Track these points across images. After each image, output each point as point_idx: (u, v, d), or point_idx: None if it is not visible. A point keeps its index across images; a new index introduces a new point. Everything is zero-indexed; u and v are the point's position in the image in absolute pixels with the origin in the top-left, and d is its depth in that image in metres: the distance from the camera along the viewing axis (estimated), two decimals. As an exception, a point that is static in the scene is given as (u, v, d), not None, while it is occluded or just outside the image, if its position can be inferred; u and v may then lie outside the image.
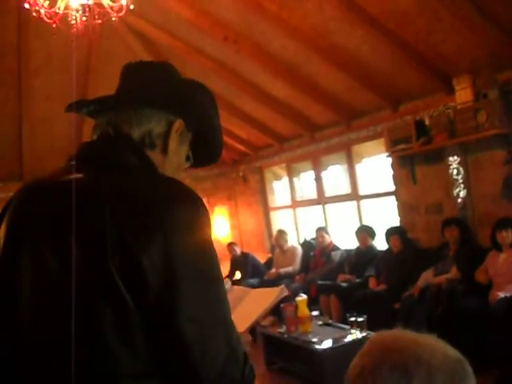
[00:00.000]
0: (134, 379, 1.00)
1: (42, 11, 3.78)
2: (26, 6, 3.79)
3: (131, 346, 1.00)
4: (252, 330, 5.95)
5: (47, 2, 3.83)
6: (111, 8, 3.93)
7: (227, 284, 1.61)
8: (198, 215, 1.09)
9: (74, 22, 3.87)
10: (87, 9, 3.87)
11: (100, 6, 3.94)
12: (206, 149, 1.38)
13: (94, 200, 1.05)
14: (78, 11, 3.84)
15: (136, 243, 0.99)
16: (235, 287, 1.64)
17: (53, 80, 6.65)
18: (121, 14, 3.98)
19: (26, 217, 1.14)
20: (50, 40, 5.42)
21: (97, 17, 3.93)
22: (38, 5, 3.74)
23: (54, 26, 3.86)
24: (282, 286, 1.55)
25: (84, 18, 3.88)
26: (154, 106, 1.22)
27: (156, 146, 1.22)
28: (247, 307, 1.46)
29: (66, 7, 3.88)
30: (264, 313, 1.43)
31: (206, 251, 1.08)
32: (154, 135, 1.21)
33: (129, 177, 1.10)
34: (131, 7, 4.04)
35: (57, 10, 3.84)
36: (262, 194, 9.44)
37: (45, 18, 3.84)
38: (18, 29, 5.96)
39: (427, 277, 5.43)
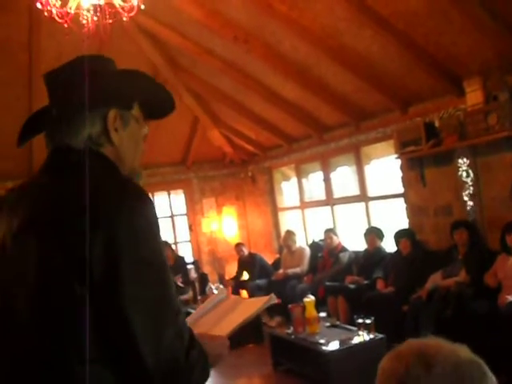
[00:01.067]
0: (85, 365, 1.06)
1: (54, 11, 3.80)
2: (38, 5, 3.81)
3: (82, 333, 1.06)
4: (259, 330, 5.98)
5: (59, 2, 3.85)
6: (122, 8, 3.95)
7: (223, 293, 1.66)
8: (142, 209, 1.14)
9: (85, 21, 3.89)
10: (98, 9, 3.89)
11: (111, 6, 3.96)
12: (159, 107, 1.45)
13: (46, 202, 1.16)
14: (89, 11, 3.87)
15: (80, 236, 1.06)
16: (231, 296, 1.68)
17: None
18: (131, 14, 3.99)
19: (2, 217, 1.25)
20: (61, 39, 5.45)
21: (108, 17, 3.95)
22: (49, 4, 3.76)
23: (65, 25, 3.88)
24: (272, 294, 1.59)
25: (95, 18, 3.90)
26: (82, 111, 1.24)
27: (102, 143, 1.28)
28: (237, 314, 1.50)
29: (78, 7, 3.90)
30: (248, 318, 1.46)
31: (146, 238, 1.13)
32: (94, 136, 1.27)
33: (77, 180, 1.14)
34: (142, 7, 4.05)
35: (68, 10, 3.86)
36: (271, 194, 9.44)
37: (56, 18, 3.86)
38: (29, 28, 5.99)
39: (436, 279, 5.41)
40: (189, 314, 1.59)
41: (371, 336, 4.57)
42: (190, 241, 9.83)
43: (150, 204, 1.18)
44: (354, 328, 4.81)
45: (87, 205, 1.08)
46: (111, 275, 1.06)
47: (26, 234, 1.15)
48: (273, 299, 1.53)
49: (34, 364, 1.09)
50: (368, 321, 4.62)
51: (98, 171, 1.21)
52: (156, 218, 1.19)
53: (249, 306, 1.54)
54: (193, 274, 8.73)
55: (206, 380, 1.23)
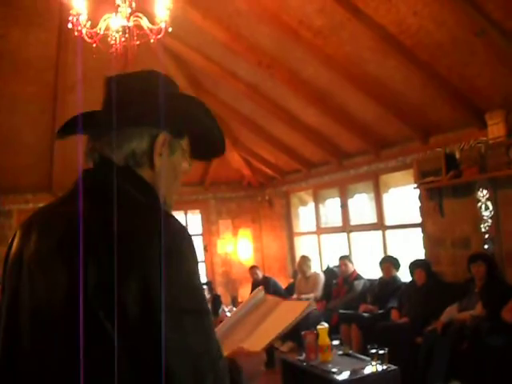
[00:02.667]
0: None
1: (84, 31, 3.88)
2: (69, 25, 3.89)
3: (116, 377, 1.00)
4: (271, 356, 5.90)
5: (89, 23, 3.93)
6: (150, 30, 4.01)
7: (260, 294, 1.60)
8: (180, 247, 1.07)
9: (113, 42, 3.96)
10: (127, 30, 3.96)
11: (139, 27, 4.03)
12: (207, 146, 1.37)
13: (80, 234, 1.05)
14: (118, 32, 3.93)
15: (116, 277, 0.99)
16: (269, 297, 1.61)
17: (87, 96, 6.77)
18: (159, 37, 4.06)
19: (24, 248, 1.18)
20: (88, 58, 5.54)
21: (136, 38, 4.02)
22: (80, 25, 3.84)
23: (94, 45, 3.95)
24: (311, 300, 1.54)
25: (123, 39, 3.96)
26: (133, 125, 1.20)
27: (143, 163, 1.20)
28: (273, 321, 1.45)
29: (107, 28, 3.98)
30: (286, 329, 1.40)
31: (186, 283, 1.06)
32: (138, 154, 1.20)
33: (111, 208, 1.07)
34: (169, 30, 4.11)
35: (98, 31, 3.93)
36: (287, 218, 9.43)
37: (86, 38, 3.93)
38: (57, 45, 6.11)
39: (451, 312, 5.34)
40: None
41: (384, 367, 4.50)
42: (204, 261, 9.83)
43: (191, 243, 1.10)
44: (367, 358, 4.75)
45: (123, 241, 1.02)
46: (148, 321, 0.99)
47: (55, 261, 1.08)
48: (312, 305, 1.48)
49: None
50: (381, 351, 4.56)
51: (137, 198, 1.15)
52: (196, 258, 1.11)
53: (287, 311, 1.48)
54: (206, 295, 8.69)
55: None
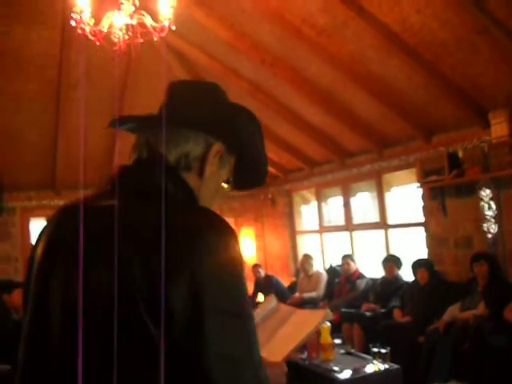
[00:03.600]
0: None
1: (87, 29, 3.88)
2: (73, 23, 3.90)
3: (154, 375, 0.96)
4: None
5: (93, 21, 3.93)
6: (154, 28, 4.01)
7: (273, 302, 1.57)
8: (229, 249, 1.05)
9: (116, 40, 3.96)
10: (130, 28, 3.96)
11: (143, 25, 4.02)
12: (251, 172, 1.35)
13: (124, 232, 1.01)
14: (121, 30, 3.94)
15: (163, 275, 0.96)
16: (282, 306, 1.59)
17: (91, 94, 6.79)
18: (163, 35, 4.06)
19: (59, 242, 1.14)
20: (91, 55, 5.55)
21: (139, 36, 4.02)
22: (83, 22, 3.84)
23: (97, 43, 3.96)
24: (328, 310, 1.52)
25: (126, 37, 3.97)
26: (192, 128, 1.19)
27: (192, 168, 1.19)
28: (290, 330, 1.42)
29: (110, 26, 3.98)
30: (305, 338, 1.38)
31: (235, 287, 1.04)
32: (191, 157, 1.18)
33: (159, 206, 1.03)
34: (173, 28, 4.11)
35: (101, 29, 3.93)
36: (290, 217, 9.43)
37: (89, 36, 3.93)
38: (60, 43, 6.11)
39: (454, 311, 5.34)
40: None
41: (386, 366, 4.50)
42: (206, 259, 9.81)
43: (238, 244, 1.08)
44: (369, 357, 4.75)
45: (173, 238, 0.99)
46: (194, 326, 0.96)
47: (97, 258, 1.03)
48: (329, 315, 1.45)
49: None
50: (383, 350, 4.56)
51: (182, 200, 1.13)
52: (242, 259, 1.08)
53: (303, 320, 1.45)
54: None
55: None
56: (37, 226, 8.33)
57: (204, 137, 1.20)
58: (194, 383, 0.97)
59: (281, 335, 1.38)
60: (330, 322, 5.31)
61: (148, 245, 1.00)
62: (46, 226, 1.22)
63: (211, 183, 1.23)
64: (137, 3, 4.05)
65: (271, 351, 1.29)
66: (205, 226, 1.05)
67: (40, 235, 1.21)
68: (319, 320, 1.42)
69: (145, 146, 1.20)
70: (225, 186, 1.29)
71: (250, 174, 1.35)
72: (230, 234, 1.07)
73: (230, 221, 9.76)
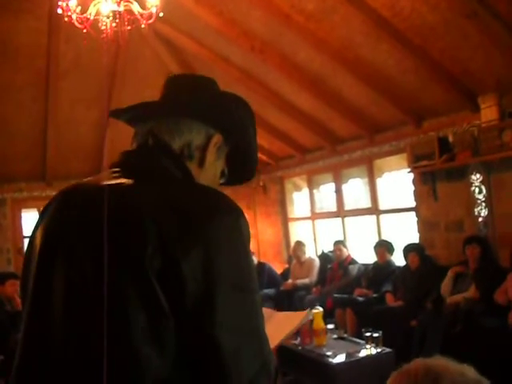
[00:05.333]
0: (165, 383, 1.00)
1: (74, 16, 3.85)
2: (59, 11, 3.86)
3: (162, 351, 1.00)
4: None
5: (79, 8, 3.90)
6: (141, 15, 3.99)
7: None
8: (239, 227, 1.09)
9: (104, 27, 3.93)
10: (117, 15, 3.93)
11: (130, 12, 4.00)
12: (241, 166, 1.39)
13: (135, 206, 1.05)
14: (108, 17, 3.91)
15: (177, 250, 1.00)
16: (263, 308, 1.63)
17: (79, 83, 6.75)
18: (150, 22, 4.03)
19: (63, 221, 1.14)
20: (79, 44, 5.51)
21: (126, 23, 3.99)
22: (70, 10, 3.80)
23: (84, 31, 3.93)
24: (307, 310, 1.56)
25: (114, 25, 3.94)
26: (195, 118, 1.23)
27: (194, 157, 1.23)
28: (271, 329, 1.45)
29: (97, 13, 3.95)
30: (287, 336, 1.44)
31: (244, 262, 1.09)
32: (193, 147, 1.22)
33: (169, 186, 1.11)
34: (160, 15, 4.09)
35: (88, 16, 3.90)
36: (282, 204, 9.44)
37: (76, 24, 3.90)
38: (48, 32, 6.06)
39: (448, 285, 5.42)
40: None
41: (379, 350, 4.53)
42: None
43: (246, 219, 1.12)
44: (362, 341, 4.78)
45: (185, 217, 1.03)
46: (206, 298, 1.00)
47: (108, 241, 1.03)
48: (309, 315, 1.49)
49: (112, 380, 0.99)
50: (376, 334, 4.59)
51: (189, 183, 1.17)
52: (250, 236, 1.13)
53: (283, 320, 1.50)
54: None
55: None
56: (28, 218, 8.30)
57: (205, 127, 1.24)
58: (204, 354, 1.01)
59: None
60: (323, 307, 5.34)
61: (162, 221, 1.02)
62: (45, 210, 1.22)
63: (209, 173, 1.27)
64: (124, -10, 4.02)
65: None
66: (216, 204, 1.09)
67: (40, 219, 1.21)
68: (300, 319, 1.48)
69: (149, 135, 1.22)
70: (220, 178, 1.33)
71: (242, 167, 1.39)
72: (239, 212, 1.11)
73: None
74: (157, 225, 1.02)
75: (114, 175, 1.15)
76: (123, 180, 1.12)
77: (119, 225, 1.04)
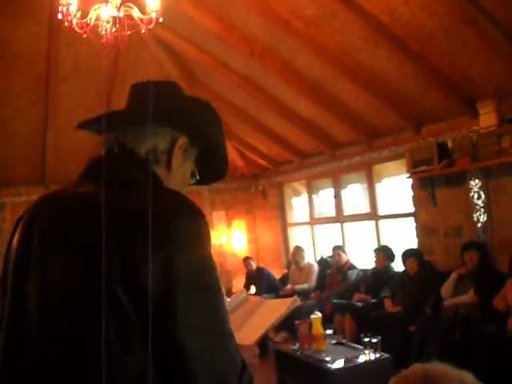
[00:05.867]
0: (133, 383, 1.03)
1: (74, 21, 3.86)
2: (59, 16, 3.87)
3: (131, 352, 1.03)
4: (264, 345, 5.94)
5: (79, 13, 3.91)
6: (141, 20, 3.99)
7: (243, 294, 1.64)
8: (198, 228, 1.12)
9: (103, 32, 3.94)
10: (117, 20, 3.94)
11: (130, 18, 4.01)
12: (211, 166, 1.42)
13: (98, 212, 1.08)
14: (108, 22, 3.92)
15: (136, 253, 1.03)
16: (252, 297, 1.65)
17: (79, 87, 6.76)
18: (150, 27, 4.04)
19: (35, 228, 1.19)
20: (79, 49, 5.52)
21: (126, 28, 4.00)
22: (70, 15, 3.81)
23: (84, 36, 3.93)
24: (295, 296, 1.58)
25: (114, 30, 3.95)
26: (159, 123, 1.26)
27: (160, 161, 1.27)
28: (260, 317, 1.49)
29: (97, 18, 3.96)
30: (274, 323, 1.46)
31: (204, 262, 1.12)
32: (158, 151, 1.26)
33: (133, 190, 1.15)
34: (160, 20, 4.10)
35: (88, 21, 3.91)
36: (281, 209, 9.44)
37: (76, 28, 3.91)
38: (48, 37, 6.07)
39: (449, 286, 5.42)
40: None
41: (377, 355, 4.53)
42: (198, 253, 9.81)
43: (205, 220, 1.15)
44: (361, 346, 4.77)
45: (145, 220, 1.04)
46: (167, 300, 1.03)
47: (76, 241, 1.10)
48: (297, 301, 1.52)
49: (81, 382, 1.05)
50: (374, 340, 4.59)
51: (152, 186, 1.17)
52: (210, 235, 1.16)
53: (272, 308, 1.53)
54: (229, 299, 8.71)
55: None
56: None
57: (169, 131, 1.28)
58: (169, 354, 1.04)
59: (251, 323, 1.46)
60: (322, 312, 5.34)
61: (122, 225, 1.07)
62: (21, 217, 1.28)
63: (178, 175, 1.31)
64: (124, -5, 4.03)
65: (243, 336, 1.37)
66: (175, 207, 1.12)
67: (16, 226, 1.27)
68: (287, 305, 1.49)
69: (115, 143, 1.26)
70: (191, 178, 1.38)
71: (211, 168, 1.43)
72: (198, 214, 1.14)
73: (221, 214, 9.78)
74: (116, 229, 1.05)
75: (83, 182, 1.22)
76: (88, 187, 1.19)
77: (84, 230, 1.10)
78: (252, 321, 1.48)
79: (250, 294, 1.71)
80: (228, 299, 1.61)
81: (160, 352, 1.04)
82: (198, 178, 1.39)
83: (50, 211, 1.21)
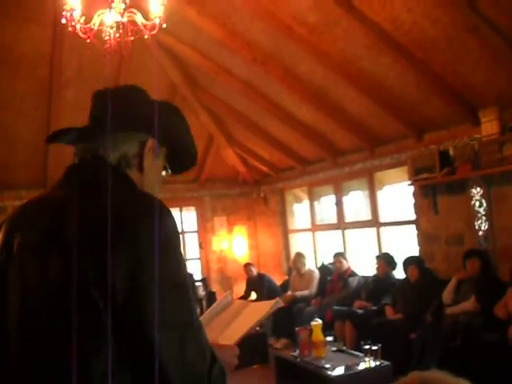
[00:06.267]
0: (106, 376, 1.07)
1: (78, 27, 3.87)
2: (63, 21, 3.89)
3: (104, 346, 1.08)
4: (264, 351, 5.94)
5: (83, 18, 3.93)
6: (144, 26, 4.01)
7: (228, 297, 1.69)
8: (165, 227, 1.16)
9: (107, 38, 3.95)
10: (121, 26, 3.96)
11: (134, 23, 4.03)
12: (182, 159, 1.50)
13: (72, 216, 1.15)
14: (112, 28, 3.93)
15: (105, 253, 1.07)
16: (236, 301, 1.69)
17: (82, 92, 6.77)
18: (153, 33, 4.06)
19: (16, 232, 1.26)
20: (82, 54, 5.54)
21: (130, 34, 4.02)
22: (74, 20, 3.83)
23: (88, 41, 3.95)
24: (278, 298, 1.62)
25: (117, 35, 3.96)
26: (126, 129, 1.33)
27: (132, 165, 1.34)
28: (243, 319, 1.53)
29: (101, 24, 3.97)
30: (256, 324, 1.51)
31: (172, 260, 1.17)
32: (129, 156, 1.33)
33: (103, 194, 1.18)
34: (164, 26, 4.11)
35: (92, 26, 3.93)
36: (282, 215, 9.44)
37: (80, 34, 3.93)
38: (52, 41, 6.09)
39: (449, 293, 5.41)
40: None
41: (377, 363, 4.52)
42: (199, 258, 9.83)
43: (173, 219, 1.21)
44: (361, 354, 4.77)
45: (115, 221, 1.10)
46: (134, 295, 1.08)
47: (50, 243, 1.16)
48: (279, 303, 1.55)
49: (58, 376, 1.10)
50: (375, 347, 4.58)
51: (123, 189, 1.25)
52: (178, 233, 1.22)
53: (255, 310, 1.57)
54: (201, 292, 8.72)
55: None
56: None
57: (137, 136, 1.35)
58: (140, 350, 1.09)
59: (235, 324, 1.51)
60: (322, 319, 5.33)
61: (94, 229, 1.13)
62: (2, 222, 1.35)
63: (151, 174, 1.38)
64: (127, 1, 4.05)
65: (226, 337, 1.44)
66: (142, 208, 1.18)
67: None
68: (270, 306, 1.53)
69: (86, 152, 1.34)
70: (163, 173, 1.46)
71: (183, 159, 1.51)
72: (165, 213, 1.19)
73: (222, 219, 9.78)
74: (88, 231, 1.12)
75: (60, 188, 1.30)
76: (64, 192, 1.26)
77: (58, 233, 1.16)
78: (236, 322, 1.53)
79: (237, 298, 1.75)
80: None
81: (132, 348, 1.09)
82: (169, 172, 1.47)
83: (29, 215, 1.28)
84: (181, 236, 1.19)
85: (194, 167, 1.57)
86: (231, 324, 1.52)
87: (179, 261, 1.19)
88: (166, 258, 1.14)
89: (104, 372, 1.07)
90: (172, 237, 1.19)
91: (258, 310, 1.55)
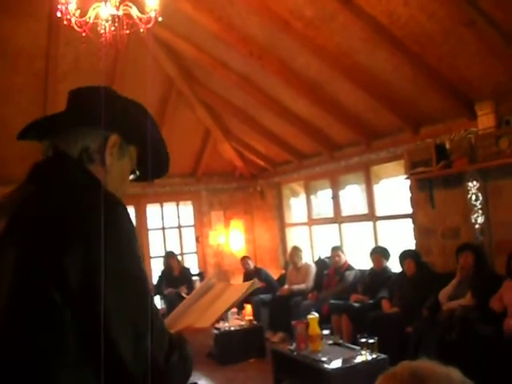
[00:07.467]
0: (67, 368, 1.11)
1: (73, 20, 3.86)
2: (58, 14, 3.87)
3: (63, 339, 1.11)
4: (261, 345, 5.96)
5: (78, 11, 3.91)
6: (140, 19, 4.00)
7: (211, 280, 1.73)
8: (117, 220, 1.19)
9: (102, 31, 3.94)
10: (116, 19, 3.94)
11: (129, 17, 4.01)
12: (152, 162, 1.46)
13: (27, 214, 1.20)
14: (107, 21, 3.92)
15: (58, 248, 1.11)
16: (219, 284, 1.72)
17: (78, 85, 6.74)
18: (149, 26, 4.04)
19: None
20: (78, 47, 5.52)
21: (125, 27, 4.00)
22: (69, 14, 3.81)
23: (83, 34, 3.93)
24: (255, 279, 1.66)
25: (113, 28, 3.95)
26: (88, 125, 1.35)
27: (94, 160, 1.35)
28: (222, 302, 1.57)
29: (96, 17, 3.96)
30: (231, 306, 1.55)
31: (124, 252, 1.19)
32: (91, 151, 1.34)
33: (59, 189, 1.25)
34: (159, 19, 4.10)
35: (87, 20, 3.91)
36: (279, 209, 9.45)
37: (75, 27, 3.91)
38: (47, 35, 6.07)
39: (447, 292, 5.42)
40: None
41: (374, 356, 4.54)
42: (196, 252, 9.83)
43: (127, 215, 1.23)
44: (357, 347, 4.78)
45: (67, 216, 1.15)
46: (88, 286, 1.11)
47: (7, 240, 1.19)
48: (256, 284, 1.59)
49: (18, 370, 1.12)
50: (371, 340, 4.60)
51: (81, 186, 1.28)
52: (133, 229, 1.24)
53: (233, 292, 1.60)
54: (197, 286, 8.72)
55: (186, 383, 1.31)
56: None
57: (101, 131, 1.35)
58: (96, 336, 1.11)
59: (215, 306, 1.56)
60: (319, 313, 5.34)
61: (45, 222, 1.16)
62: None
63: (115, 172, 1.38)
64: (123, -6, 4.03)
65: (203, 319, 1.49)
66: (94, 202, 1.18)
67: None
68: (246, 287, 1.57)
69: (50, 148, 1.37)
70: (131, 176, 1.46)
71: (155, 163, 1.47)
72: (118, 207, 1.22)
73: (219, 214, 9.78)
74: (43, 226, 1.15)
75: (25, 184, 1.33)
76: (27, 188, 1.29)
77: (16, 228, 1.19)
78: (215, 305, 1.57)
79: (219, 282, 1.79)
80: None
81: (90, 342, 1.11)
82: (137, 174, 1.46)
83: None
84: (137, 231, 1.25)
85: (165, 172, 1.55)
86: (211, 306, 1.56)
87: (134, 255, 1.21)
88: (121, 254, 1.17)
89: (64, 367, 1.11)
90: (127, 232, 1.21)
91: (235, 292, 1.59)
